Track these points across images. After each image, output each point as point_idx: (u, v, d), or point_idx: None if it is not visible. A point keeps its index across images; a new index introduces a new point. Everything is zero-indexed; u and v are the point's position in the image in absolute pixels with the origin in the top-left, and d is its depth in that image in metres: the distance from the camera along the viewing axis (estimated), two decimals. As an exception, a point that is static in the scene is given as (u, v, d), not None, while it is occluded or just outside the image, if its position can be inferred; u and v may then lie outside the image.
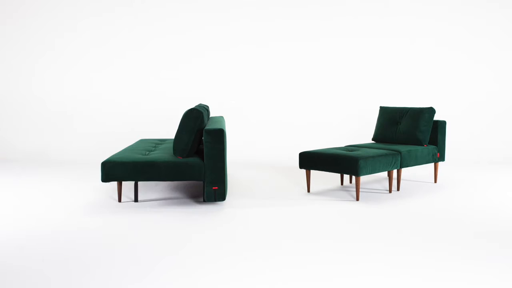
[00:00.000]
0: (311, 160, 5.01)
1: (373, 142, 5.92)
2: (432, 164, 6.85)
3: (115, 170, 4.37)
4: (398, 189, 5.28)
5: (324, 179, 5.94)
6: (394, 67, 8.07)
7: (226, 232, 3.70)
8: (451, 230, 3.75)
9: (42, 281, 2.72)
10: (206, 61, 8.08)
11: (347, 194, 5.11)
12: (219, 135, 4.31)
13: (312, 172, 6.22)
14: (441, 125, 5.76)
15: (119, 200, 4.61)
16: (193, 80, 8.03)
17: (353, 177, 5.87)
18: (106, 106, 7.98)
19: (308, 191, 5.18)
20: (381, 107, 6.00)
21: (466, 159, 7.48)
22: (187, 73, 8.05)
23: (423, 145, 5.52)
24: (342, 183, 5.60)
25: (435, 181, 5.77)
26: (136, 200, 4.63)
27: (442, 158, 5.76)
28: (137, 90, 8.00)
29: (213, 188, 4.38)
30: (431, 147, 5.59)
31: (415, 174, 6.29)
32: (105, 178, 4.40)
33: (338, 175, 6.14)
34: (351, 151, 5.08)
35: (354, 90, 8.10)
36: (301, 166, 5.10)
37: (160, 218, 4.09)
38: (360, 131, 7.75)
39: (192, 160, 4.41)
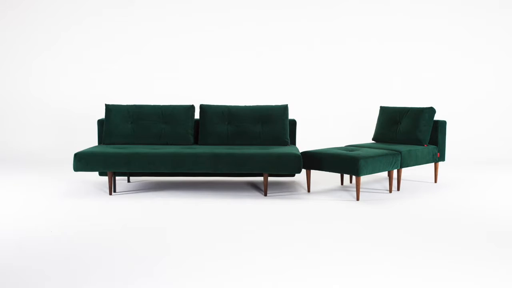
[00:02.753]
0: (311, 160, 5.01)
1: (373, 142, 5.92)
2: (432, 164, 6.85)
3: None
4: (398, 189, 5.28)
5: (324, 179, 5.94)
6: (394, 67, 8.07)
7: (226, 231, 3.70)
8: (451, 230, 3.75)
9: (42, 281, 2.72)
10: (205, 62, 8.07)
11: (347, 194, 5.11)
12: None
13: (312, 172, 6.22)
14: (441, 125, 5.75)
15: (265, 194, 4.96)
16: (193, 81, 8.03)
17: (353, 177, 5.87)
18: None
19: (308, 191, 5.18)
20: (381, 107, 6.00)
21: (466, 159, 7.48)
22: (186, 74, 8.05)
23: (423, 145, 5.52)
24: (342, 183, 5.60)
25: (435, 181, 5.77)
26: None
27: (442, 158, 5.76)
28: (137, 90, 7.99)
29: None
30: (431, 147, 5.59)
31: (415, 174, 6.29)
32: (299, 169, 4.78)
33: (338, 175, 6.14)
34: (351, 151, 5.07)
35: (354, 90, 8.10)
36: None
37: (160, 217, 4.09)
38: (360, 131, 7.75)
39: None
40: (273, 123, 5.42)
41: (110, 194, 4.90)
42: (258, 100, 7.99)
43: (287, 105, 5.56)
